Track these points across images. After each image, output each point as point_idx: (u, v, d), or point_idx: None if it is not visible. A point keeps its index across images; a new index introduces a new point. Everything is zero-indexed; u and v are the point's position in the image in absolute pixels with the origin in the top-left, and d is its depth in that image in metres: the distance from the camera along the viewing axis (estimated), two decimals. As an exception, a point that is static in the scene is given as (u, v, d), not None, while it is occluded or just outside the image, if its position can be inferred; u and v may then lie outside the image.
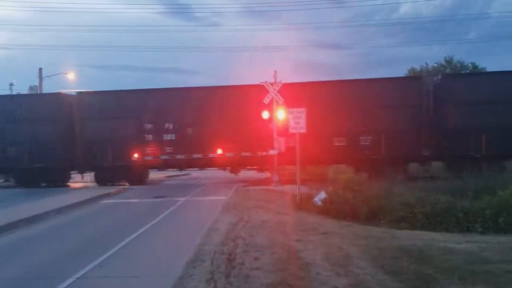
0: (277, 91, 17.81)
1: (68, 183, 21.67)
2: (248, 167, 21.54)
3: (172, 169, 23.41)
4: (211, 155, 19.82)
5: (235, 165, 20.76)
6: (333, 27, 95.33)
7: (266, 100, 17.91)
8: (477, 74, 28.73)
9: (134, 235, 9.35)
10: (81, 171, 21.59)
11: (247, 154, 19.64)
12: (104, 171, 20.61)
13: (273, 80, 18.13)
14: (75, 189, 20.20)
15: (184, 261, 6.74)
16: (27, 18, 66.91)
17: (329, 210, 11.21)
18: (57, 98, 21.79)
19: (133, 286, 6.08)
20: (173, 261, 6.92)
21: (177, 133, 20.06)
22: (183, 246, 7.97)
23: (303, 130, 13.09)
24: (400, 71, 49.07)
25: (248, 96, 19.09)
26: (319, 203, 11.83)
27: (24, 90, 33.89)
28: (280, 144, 17.73)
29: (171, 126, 20.12)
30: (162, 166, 21.45)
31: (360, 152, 18.98)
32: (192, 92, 20.59)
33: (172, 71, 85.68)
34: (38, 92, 31.66)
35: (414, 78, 26.84)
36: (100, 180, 20.77)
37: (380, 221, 10.44)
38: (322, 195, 12.10)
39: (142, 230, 9.87)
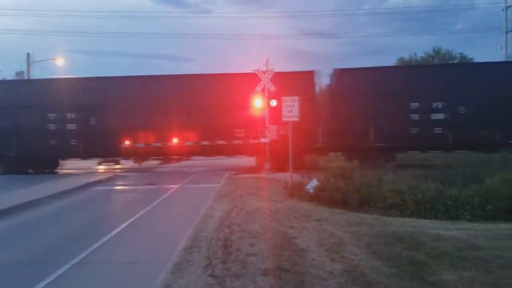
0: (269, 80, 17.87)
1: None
2: None
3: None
4: (203, 143, 19.90)
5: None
6: (323, 15, 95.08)
7: (258, 88, 17.94)
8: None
9: (129, 221, 9.39)
10: None
11: (239, 142, 19.75)
12: None
13: (264, 68, 18.15)
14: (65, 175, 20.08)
15: (181, 247, 6.80)
16: (14, 2, 65.38)
17: (321, 197, 11.30)
18: None
19: (132, 272, 6.12)
20: (169, 247, 6.98)
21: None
22: (179, 232, 8.01)
23: (296, 118, 13.06)
24: (390, 61, 49.28)
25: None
26: (311, 190, 11.92)
27: (10, 76, 33.41)
28: (271, 132, 17.81)
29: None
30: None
31: None
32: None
33: (164, 58, 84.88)
34: (26, 77, 31.22)
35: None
36: None
37: (370, 208, 10.59)
38: (314, 182, 12.20)
39: (136, 216, 9.91)
